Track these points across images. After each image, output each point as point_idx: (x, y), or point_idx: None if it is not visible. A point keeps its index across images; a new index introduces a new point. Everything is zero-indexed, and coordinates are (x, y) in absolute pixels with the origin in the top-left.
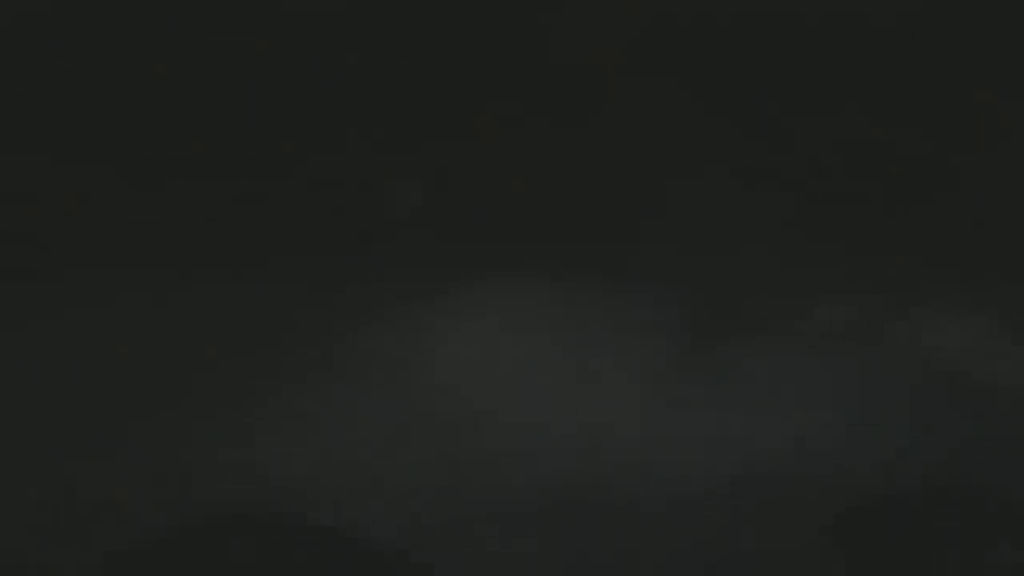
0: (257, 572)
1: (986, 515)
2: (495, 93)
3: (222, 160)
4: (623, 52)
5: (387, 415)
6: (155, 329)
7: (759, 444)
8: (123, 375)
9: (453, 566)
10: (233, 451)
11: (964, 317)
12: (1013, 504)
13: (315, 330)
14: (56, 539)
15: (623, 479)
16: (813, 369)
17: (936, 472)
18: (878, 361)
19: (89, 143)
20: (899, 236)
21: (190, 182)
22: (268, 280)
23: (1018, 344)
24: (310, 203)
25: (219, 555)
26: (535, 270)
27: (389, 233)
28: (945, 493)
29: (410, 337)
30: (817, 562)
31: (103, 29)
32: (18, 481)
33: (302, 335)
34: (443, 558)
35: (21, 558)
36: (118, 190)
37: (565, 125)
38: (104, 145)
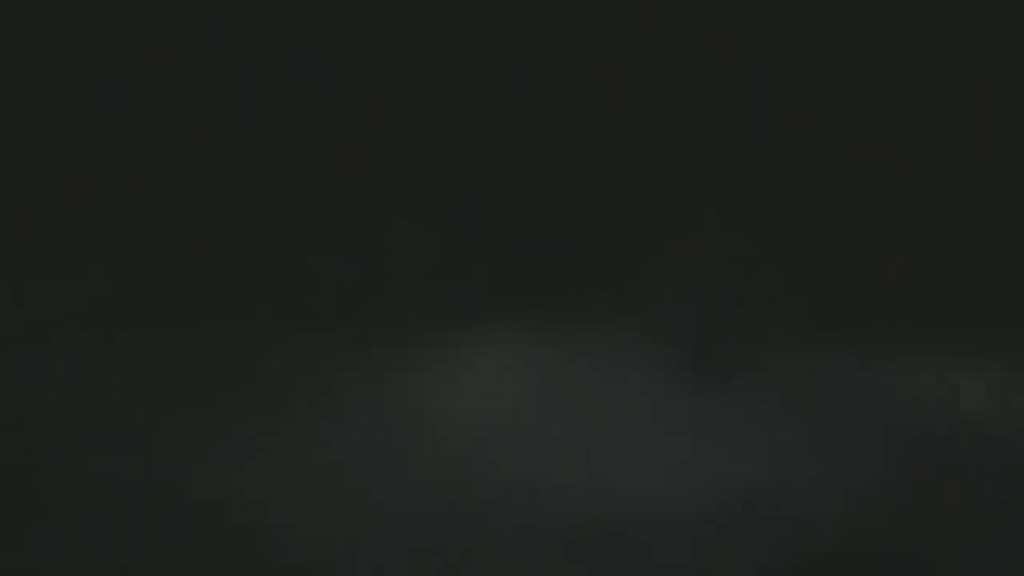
0: None
1: None
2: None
3: (225, 188)
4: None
5: (382, 458)
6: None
7: (739, 486)
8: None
9: None
10: (225, 494)
11: (944, 366)
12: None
13: (305, 373)
14: None
15: (619, 521)
16: (797, 412)
17: (895, 527)
18: (853, 407)
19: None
20: (875, 276)
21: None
22: (261, 319)
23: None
24: (310, 240)
25: None
26: (531, 315)
27: (392, 276)
28: (900, 553)
29: (408, 380)
30: None
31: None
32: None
33: (292, 378)
34: None
35: None
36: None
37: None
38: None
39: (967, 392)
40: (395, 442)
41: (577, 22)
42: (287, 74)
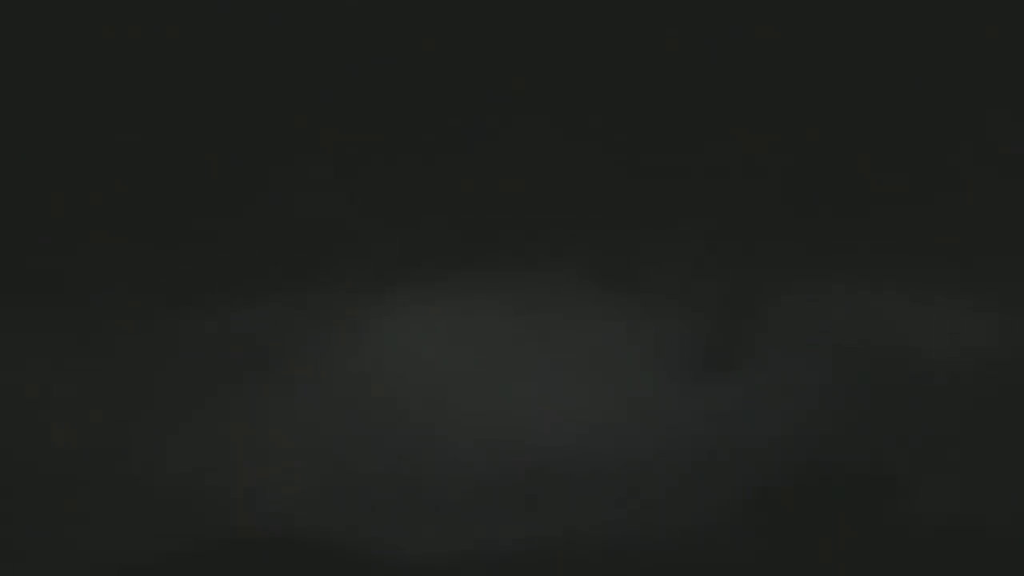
0: None
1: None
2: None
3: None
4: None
5: (322, 423)
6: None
7: (688, 423)
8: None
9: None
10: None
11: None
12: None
13: (250, 335)
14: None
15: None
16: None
17: (859, 450)
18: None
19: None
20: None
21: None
22: (185, 290)
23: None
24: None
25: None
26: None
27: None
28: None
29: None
30: (730, 538)
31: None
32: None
33: (235, 341)
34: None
35: None
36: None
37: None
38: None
39: (927, 321)
40: (338, 405)
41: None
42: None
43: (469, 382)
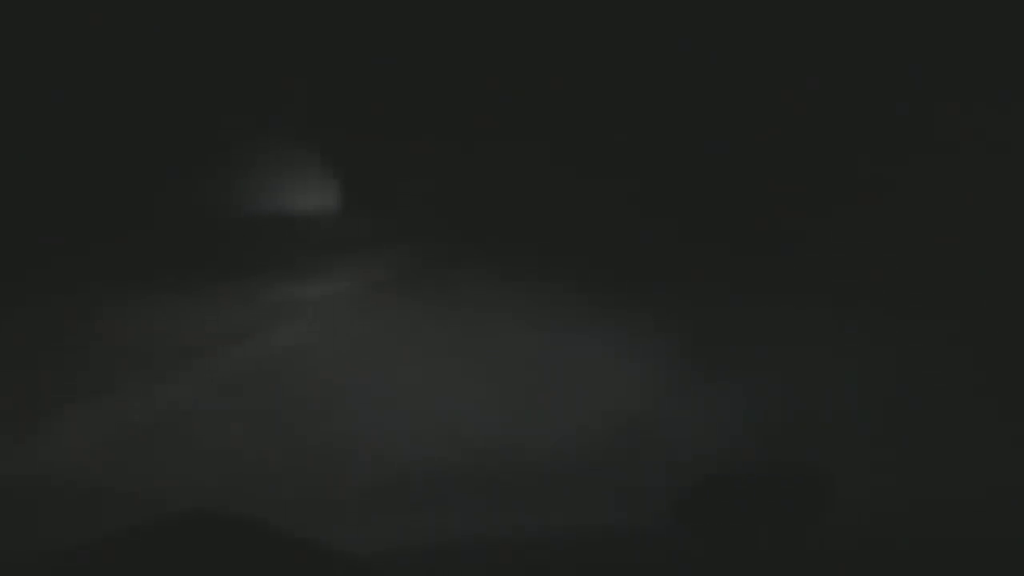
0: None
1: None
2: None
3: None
4: None
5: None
6: None
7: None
8: None
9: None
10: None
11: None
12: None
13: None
14: None
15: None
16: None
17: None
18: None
19: None
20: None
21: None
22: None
23: None
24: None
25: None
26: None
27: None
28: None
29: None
30: (665, 537)
31: None
32: None
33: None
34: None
35: None
36: None
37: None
38: None
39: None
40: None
41: None
42: None
43: (443, 381)
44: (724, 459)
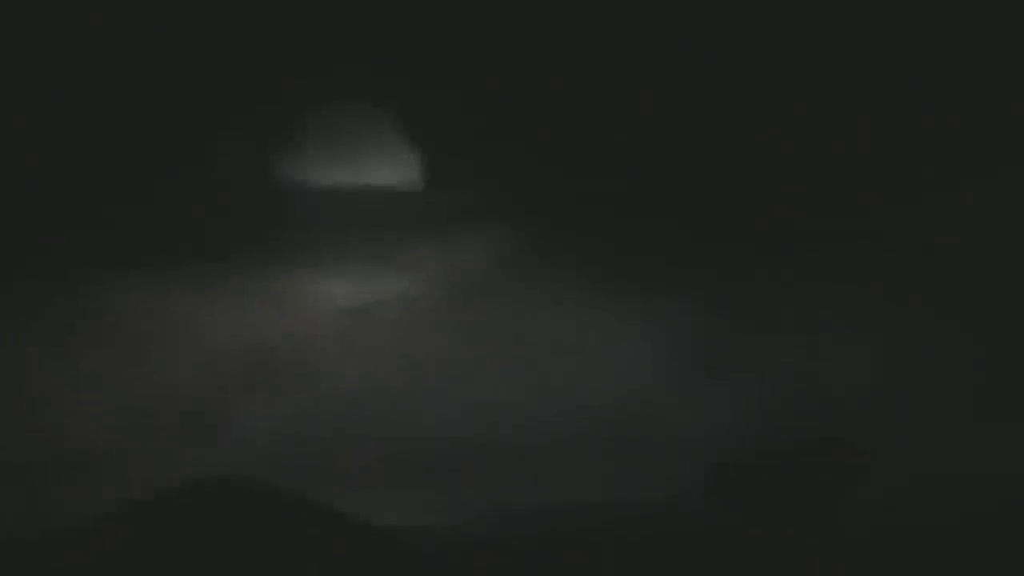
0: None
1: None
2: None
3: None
4: None
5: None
6: None
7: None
8: None
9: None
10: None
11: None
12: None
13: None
14: None
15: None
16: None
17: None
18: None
19: None
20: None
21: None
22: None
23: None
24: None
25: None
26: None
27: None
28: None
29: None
30: (701, 505)
31: None
32: None
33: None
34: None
35: None
36: None
37: None
38: None
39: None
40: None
41: None
42: None
43: (455, 369)
44: (735, 437)
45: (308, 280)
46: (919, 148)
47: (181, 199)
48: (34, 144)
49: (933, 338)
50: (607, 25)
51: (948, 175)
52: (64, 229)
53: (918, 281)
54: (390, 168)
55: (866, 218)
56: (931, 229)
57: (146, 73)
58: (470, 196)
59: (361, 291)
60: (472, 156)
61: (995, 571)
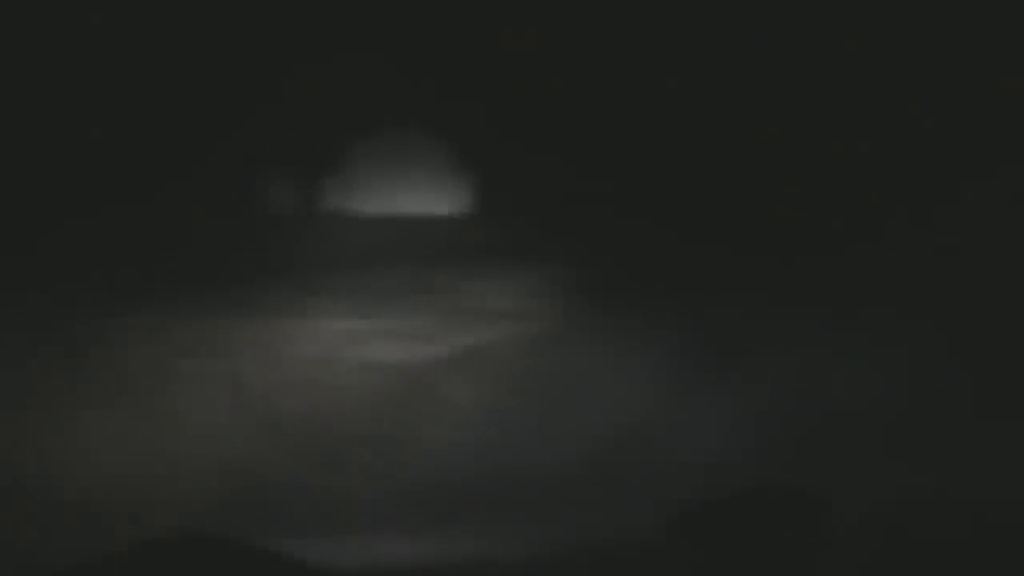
0: None
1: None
2: None
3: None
4: None
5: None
6: None
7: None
8: None
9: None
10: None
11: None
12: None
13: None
14: None
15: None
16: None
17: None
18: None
19: None
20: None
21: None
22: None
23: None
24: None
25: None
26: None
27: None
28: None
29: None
30: (666, 551)
31: None
32: None
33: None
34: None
35: None
36: None
37: None
38: None
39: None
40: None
41: None
42: None
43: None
44: (723, 470)
45: (346, 313)
46: (919, 148)
47: (220, 227)
48: (70, 170)
49: (934, 342)
50: (677, 55)
51: (948, 175)
52: (111, 255)
53: (919, 283)
54: (439, 197)
55: (867, 220)
56: (931, 230)
57: (184, 101)
58: (522, 226)
59: (404, 324)
60: (525, 185)
61: None
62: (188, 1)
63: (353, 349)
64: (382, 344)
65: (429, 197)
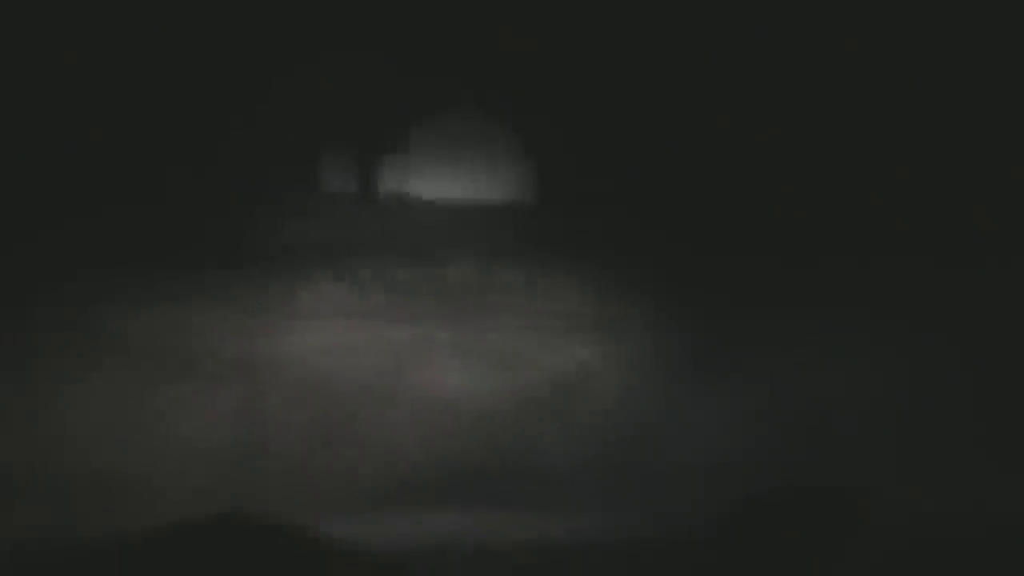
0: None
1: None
2: None
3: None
4: None
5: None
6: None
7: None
8: None
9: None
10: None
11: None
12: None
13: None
14: None
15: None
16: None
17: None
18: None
19: None
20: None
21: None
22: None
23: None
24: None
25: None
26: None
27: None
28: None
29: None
30: (709, 546)
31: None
32: None
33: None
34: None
35: None
36: None
37: None
38: None
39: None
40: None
41: None
42: None
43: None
44: (723, 471)
45: (405, 299)
46: (919, 148)
47: (278, 210)
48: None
49: (934, 342)
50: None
51: (948, 175)
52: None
53: (919, 284)
54: (501, 184)
55: (867, 220)
56: (931, 230)
57: (247, 91)
58: (583, 214)
59: (459, 312)
60: (587, 173)
61: None
62: None
63: (375, 336)
64: (394, 328)
65: (492, 184)
